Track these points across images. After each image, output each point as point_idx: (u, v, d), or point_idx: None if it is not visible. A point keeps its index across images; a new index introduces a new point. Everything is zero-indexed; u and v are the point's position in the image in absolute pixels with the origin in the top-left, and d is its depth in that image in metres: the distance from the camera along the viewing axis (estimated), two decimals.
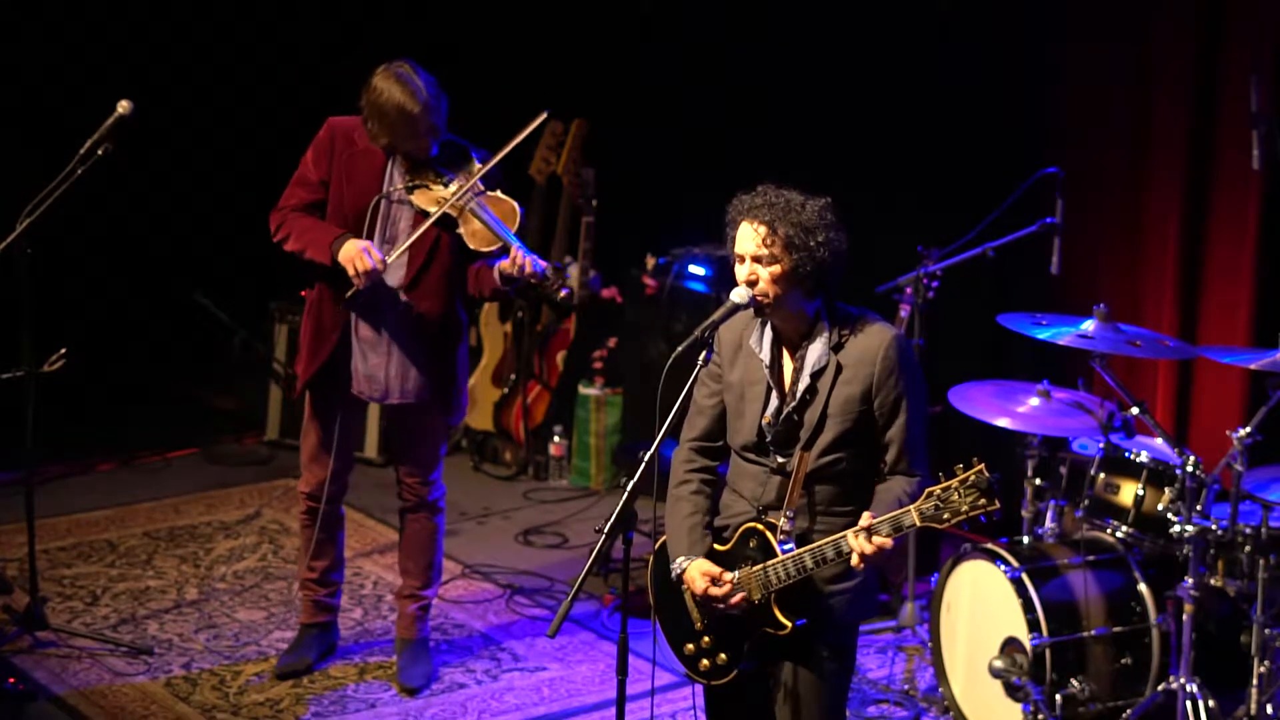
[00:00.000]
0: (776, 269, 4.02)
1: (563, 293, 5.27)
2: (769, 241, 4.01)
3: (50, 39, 8.06)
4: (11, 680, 5.57)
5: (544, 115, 5.40)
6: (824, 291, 4.08)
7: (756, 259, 4.04)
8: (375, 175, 5.40)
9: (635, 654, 4.15)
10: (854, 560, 3.95)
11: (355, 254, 5.29)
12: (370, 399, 5.59)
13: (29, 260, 5.66)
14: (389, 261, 5.34)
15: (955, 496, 3.86)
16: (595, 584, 6.53)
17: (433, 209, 5.32)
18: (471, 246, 5.34)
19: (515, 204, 5.37)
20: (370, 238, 5.38)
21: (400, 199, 5.39)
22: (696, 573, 4.15)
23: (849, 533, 3.95)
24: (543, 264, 5.27)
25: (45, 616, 5.98)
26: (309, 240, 5.40)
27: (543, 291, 5.29)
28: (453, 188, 5.34)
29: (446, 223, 5.34)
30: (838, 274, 4.07)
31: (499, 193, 5.39)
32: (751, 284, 4.04)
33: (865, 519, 3.95)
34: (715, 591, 4.12)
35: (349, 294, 5.35)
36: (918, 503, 3.90)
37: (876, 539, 3.92)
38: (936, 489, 3.89)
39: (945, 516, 3.87)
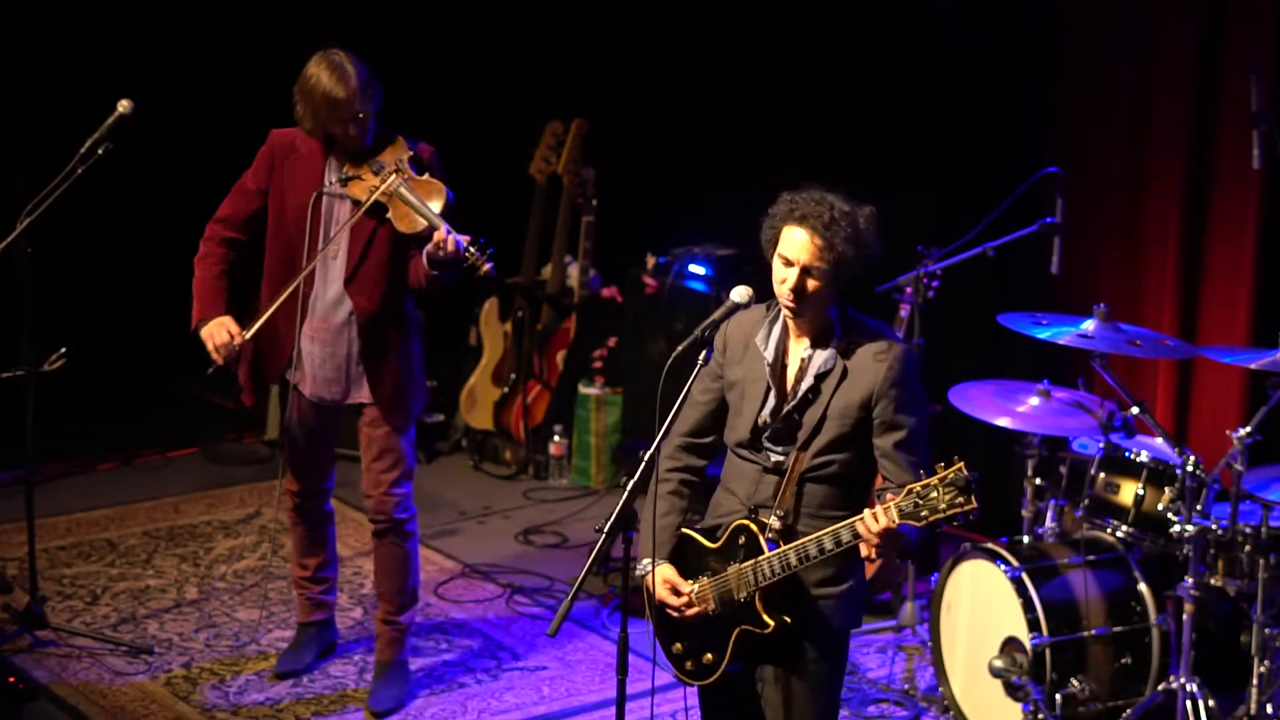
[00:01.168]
0: (824, 279, 4.01)
1: (486, 267, 5.17)
2: (825, 256, 3.97)
3: (52, 38, 8.05)
4: (11, 679, 5.56)
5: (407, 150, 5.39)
6: (843, 294, 4.09)
7: (806, 269, 4.00)
8: (315, 175, 5.38)
9: (635, 653, 4.15)
10: (864, 549, 3.94)
11: (212, 330, 5.37)
12: (323, 401, 5.52)
13: (29, 260, 5.67)
14: (335, 248, 5.34)
15: (934, 494, 3.84)
16: (595, 584, 6.53)
17: (365, 198, 5.32)
18: (400, 230, 5.30)
19: (443, 186, 5.32)
20: (313, 236, 5.36)
21: (338, 194, 5.37)
22: (658, 578, 4.18)
23: (859, 518, 3.93)
24: (463, 240, 5.19)
25: (45, 615, 5.98)
26: (196, 296, 5.47)
27: (472, 270, 5.20)
28: (382, 177, 5.32)
29: (378, 211, 5.32)
30: (862, 278, 4.09)
31: (427, 176, 5.35)
32: (793, 287, 4.00)
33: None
34: (671, 600, 4.15)
35: (209, 369, 5.39)
36: (897, 499, 3.87)
37: (883, 520, 3.90)
38: (916, 486, 3.86)
39: (924, 514, 3.85)
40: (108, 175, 5.70)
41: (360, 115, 5.26)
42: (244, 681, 5.79)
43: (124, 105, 5.61)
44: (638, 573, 4.21)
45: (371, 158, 5.36)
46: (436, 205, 5.26)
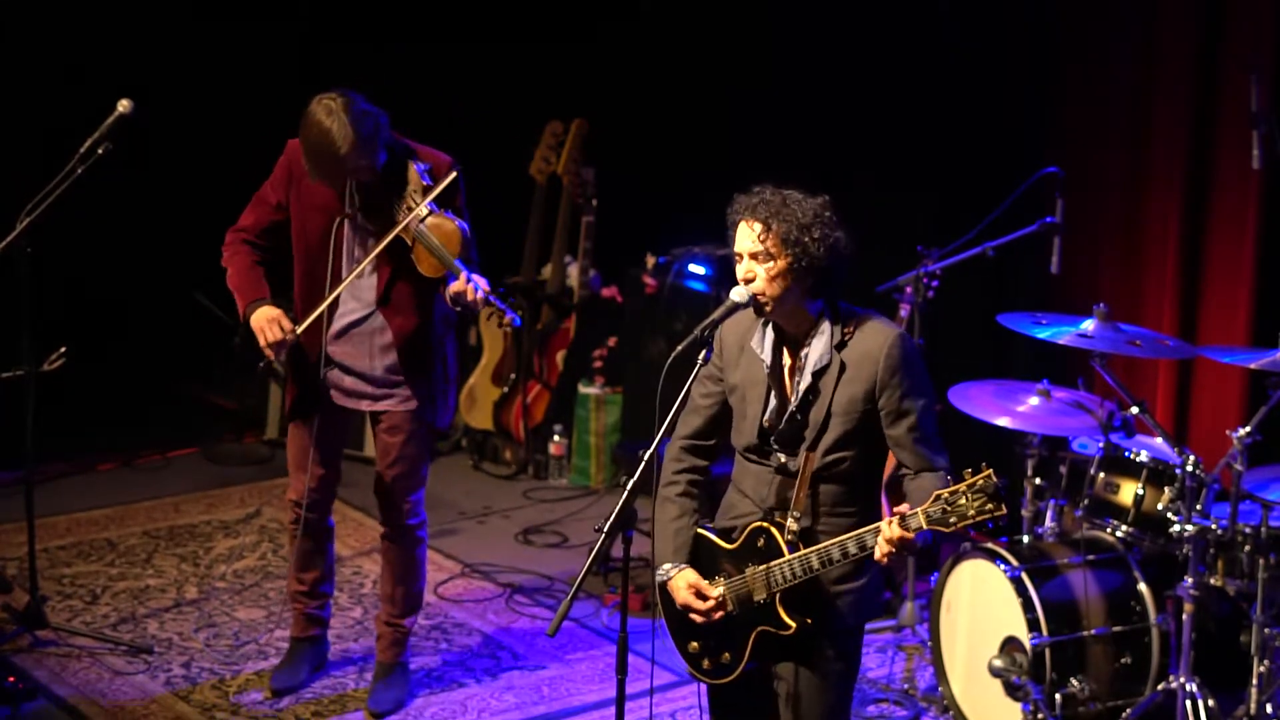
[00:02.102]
0: (773, 266, 4.01)
1: (507, 316, 5.14)
2: (764, 238, 4.01)
3: (52, 37, 8.06)
4: (11, 679, 5.57)
5: (454, 173, 5.31)
6: (826, 292, 4.08)
7: (754, 256, 4.03)
8: (336, 195, 5.30)
9: (635, 653, 4.15)
10: (877, 554, 3.93)
11: (264, 324, 5.26)
12: (347, 409, 5.50)
13: (29, 260, 5.67)
14: (361, 275, 5.29)
15: (963, 501, 3.83)
16: (595, 583, 6.54)
17: (386, 229, 5.24)
18: (422, 273, 5.25)
19: (457, 225, 5.23)
20: (336, 259, 5.31)
21: (359, 220, 5.32)
22: (682, 583, 4.16)
23: (884, 523, 3.93)
24: (483, 289, 5.14)
25: (45, 615, 5.98)
26: (235, 288, 5.39)
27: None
28: (401, 210, 5.23)
29: (400, 245, 5.27)
30: (840, 275, 4.06)
31: (445, 213, 5.25)
32: (749, 281, 4.04)
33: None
34: (697, 605, 4.13)
35: (260, 364, 5.30)
36: (924, 506, 3.86)
37: (900, 529, 3.89)
38: (944, 493, 3.85)
39: (952, 520, 3.84)
40: (108, 175, 5.70)
41: (363, 163, 5.16)
42: (244, 681, 5.79)
43: (124, 105, 5.61)
44: (659, 578, 4.19)
45: (387, 186, 5.26)
46: (454, 248, 5.20)
